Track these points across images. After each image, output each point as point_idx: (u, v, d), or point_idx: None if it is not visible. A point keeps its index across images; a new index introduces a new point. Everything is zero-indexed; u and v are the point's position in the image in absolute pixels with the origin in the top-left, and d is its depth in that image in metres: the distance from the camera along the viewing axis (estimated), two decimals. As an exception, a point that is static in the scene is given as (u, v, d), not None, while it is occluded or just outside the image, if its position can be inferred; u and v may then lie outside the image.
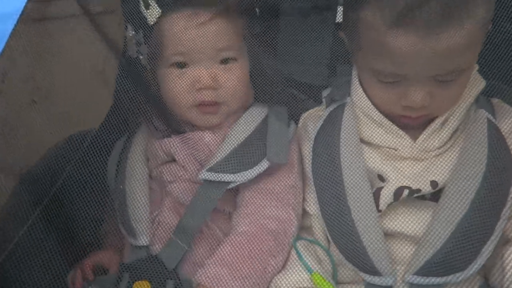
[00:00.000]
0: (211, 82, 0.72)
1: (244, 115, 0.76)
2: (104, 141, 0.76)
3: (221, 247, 0.68)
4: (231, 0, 0.72)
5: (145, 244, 0.71)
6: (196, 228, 0.70)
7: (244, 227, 0.69)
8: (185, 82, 0.72)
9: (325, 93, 0.80)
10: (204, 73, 0.72)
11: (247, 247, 0.66)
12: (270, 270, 0.67)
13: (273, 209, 0.70)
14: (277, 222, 0.69)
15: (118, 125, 0.77)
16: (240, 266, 0.65)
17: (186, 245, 0.69)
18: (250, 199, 0.71)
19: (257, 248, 0.67)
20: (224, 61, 0.73)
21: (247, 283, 0.64)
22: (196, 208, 0.70)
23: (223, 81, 0.73)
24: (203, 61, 0.72)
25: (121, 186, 0.75)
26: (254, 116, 0.76)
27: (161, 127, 0.77)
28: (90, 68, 0.76)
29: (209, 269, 0.65)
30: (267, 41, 0.79)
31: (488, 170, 0.63)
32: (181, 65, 0.73)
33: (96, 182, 0.73)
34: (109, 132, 0.76)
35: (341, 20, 0.78)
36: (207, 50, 0.72)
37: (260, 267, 0.66)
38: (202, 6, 0.71)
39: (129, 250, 0.73)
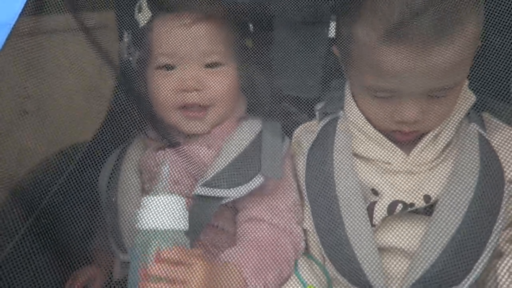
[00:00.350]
0: (195, 84, 0.73)
1: (238, 130, 0.76)
2: (97, 154, 0.75)
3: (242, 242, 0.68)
4: (216, 5, 0.74)
5: None
6: (189, 244, 0.69)
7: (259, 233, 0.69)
8: (170, 83, 0.73)
9: (318, 107, 0.80)
10: (189, 75, 0.73)
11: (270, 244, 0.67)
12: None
13: (282, 223, 0.70)
14: (288, 235, 0.69)
15: (112, 138, 0.76)
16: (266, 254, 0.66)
17: None
18: (255, 219, 0.71)
19: (278, 248, 0.67)
20: (210, 65, 0.74)
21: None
22: (190, 224, 0.69)
23: (207, 84, 0.73)
24: (189, 63, 0.73)
25: (114, 199, 0.74)
26: (248, 131, 0.76)
27: (155, 139, 0.77)
28: (82, 80, 0.76)
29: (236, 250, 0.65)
30: (259, 55, 0.80)
31: (480, 184, 0.63)
32: (168, 67, 0.74)
33: (87, 196, 0.72)
34: (102, 145, 0.76)
35: (334, 35, 0.79)
36: (192, 53, 0.73)
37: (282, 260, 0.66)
38: (188, 9, 0.72)
39: (119, 266, 0.72)
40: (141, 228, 0.60)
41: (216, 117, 0.75)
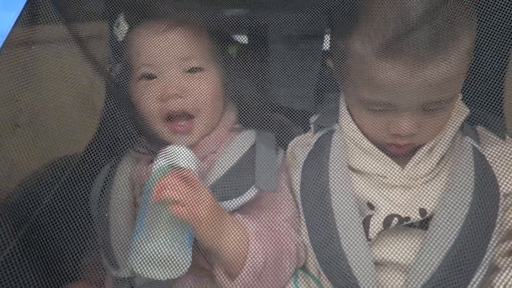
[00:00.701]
0: (176, 90, 0.72)
1: (232, 142, 0.76)
2: (88, 168, 0.74)
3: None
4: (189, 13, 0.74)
5: (127, 275, 0.68)
6: None
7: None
8: (152, 92, 0.73)
9: (312, 119, 0.80)
10: (169, 81, 0.72)
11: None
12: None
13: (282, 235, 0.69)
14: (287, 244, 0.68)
15: (104, 151, 0.75)
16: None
17: None
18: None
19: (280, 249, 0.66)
20: (191, 70, 0.74)
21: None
22: None
23: (189, 89, 0.73)
24: (169, 70, 0.73)
25: (106, 214, 0.73)
26: (242, 143, 0.75)
27: (147, 153, 0.76)
28: (75, 92, 0.75)
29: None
30: (243, 63, 0.80)
31: (475, 198, 0.63)
32: (150, 77, 0.74)
33: (78, 210, 0.71)
34: (93, 158, 0.75)
35: (329, 48, 0.79)
36: (171, 59, 0.72)
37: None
38: (166, 16, 0.72)
39: (111, 282, 0.70)
40: (154, 168, 0.63)
41: (202, 127, 0.74)
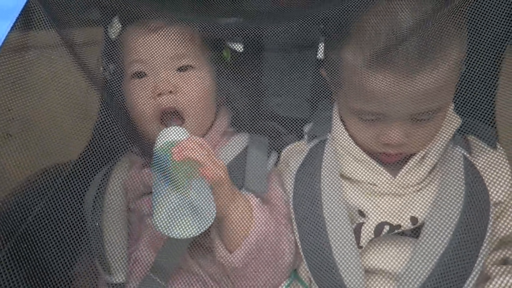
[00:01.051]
0: (168, 86, 0.72)
1: (225, 146, 0.76)
2: (82, 174, 0.74)
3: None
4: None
5: (121, 281, 0.69)
6: (174, 264, 0.68)
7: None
8: (144, 89, 0.73)
9: (306, 128, 0.81)
10: (161, 78, 0.72)
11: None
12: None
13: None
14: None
15: (97, 158, 0.75)
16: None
17: (164, 281, 0.67)
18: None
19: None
20: (182, 68, 0.74)
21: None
22: (173, 243, 0.68)
23: (181, 86, 0.73)
24: (160, 68, 0.73)
25: (97, 223, 0.73)
26: (234, 147, 0.76)
27: (140, 157, 0.77)
28: (68, 100, 0.75)
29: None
30: (236, 65, 0.80)
31: (465, 207, 0.64)
32: (141, 75, 0.74)
33: (70, 217, 0.71)
34: (88, 164, 0.75)
35: (322, 56, 0.80)
36: (162, 57, 0.73)
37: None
38: (156, 16, 0.73)
39: (105, 286, 0.71)
40: (158, 144, 0.66)
41: (194, 127, 0.74)
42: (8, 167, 0.64)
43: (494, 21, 0.68)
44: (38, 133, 0.68)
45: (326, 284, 0.64)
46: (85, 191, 0.76)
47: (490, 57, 0.70)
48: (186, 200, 0.58)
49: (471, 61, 0.70)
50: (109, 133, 0.73)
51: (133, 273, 0.69)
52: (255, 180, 0.71)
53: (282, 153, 0.80)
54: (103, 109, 0.78)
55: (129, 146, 0.77)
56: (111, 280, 0.69)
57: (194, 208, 0.59)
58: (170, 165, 0.62)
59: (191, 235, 0.59)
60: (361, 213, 0.69)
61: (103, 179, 0.77)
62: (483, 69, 0.71)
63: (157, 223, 0.59)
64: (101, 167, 0.78)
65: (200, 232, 0.59)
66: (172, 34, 0.72)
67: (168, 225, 0.59)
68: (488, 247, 0.63)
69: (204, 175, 0.61)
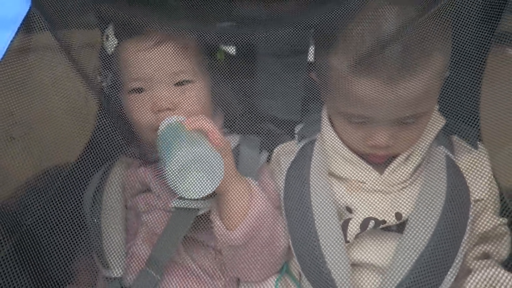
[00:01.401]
0: (167, 104, 0.74)
1: None
2: (81, 174, 0.76)
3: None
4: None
5: (118, 275, 0.71)
6: (167, 257, 0.70)
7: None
8: (144, 106, 0.75)
9: (297, 128, 0.84)
10: (160, 96, 0.74)
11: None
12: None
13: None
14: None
15: (96, 158, 0.78)
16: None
17: (159, 275, 0.70)
18: None
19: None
20: (180, 83, 0.75)
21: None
22: (167, 237, 0.71)
23: (179, 102, 0.75)
24: (159, 84, 0.74)
25: (95, 220, 0.75)
26: None
27: (137, 158, 0.79)
28: (67, 103, 0.77)
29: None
30: (230, 67, 0.83)
31: (447, 204, 0.67)
32: (140, 91, 0.75)
33: (70, 215, 0.73)
34: (86, 165, 0.77)
35: (313, 59, 0.82)
36: (160, 74, 0.74)
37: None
38: (154, 31, 0.74)
39: (103, 282, 0.73)
40: (162, 126, 0.70)
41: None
42: (11, 168, 0.66)
43: (476, 25, 0.71)
44: (40, 136, 0.70)
45: (315, 277, 0.67)
46: (84, 189, 0.79)
47: (474, 60, 0.71)
48: (197, 155, 0.60)
49: (454, 65, 0.73)
50: (106, 136, 0.75)
51: (130, 267, 0.72)
52: (246, 176, 0.73)
53: (274, 152, 0.83)
54: (101, 113, 0.79)
55: (126, 148, 0.80)
56: (109, 274, 0.72)
57: (205, 165, 0.60)
58: (182, 135, 0.64)
59: (204, 193, 0.61)
60: (349, 209, 0.72)
61: (102, 178, 0.80)
62: (466, 72, 0.73)
63: (169, 179, 0.60)
64: (99, 167, 0.81)
65: (212, 190, 0.61)
66: (169, 51, 0.74)
67: (182, 183, 0.60)
68: (468, 242, 0.66)
69: (213, 142, 0.65)
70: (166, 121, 0.71)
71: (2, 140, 0.65)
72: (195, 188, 0.61)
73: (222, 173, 0.61)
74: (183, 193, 0.61)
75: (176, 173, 0.60)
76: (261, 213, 0.68)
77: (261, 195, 0.70)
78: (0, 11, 0.63)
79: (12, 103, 0.65)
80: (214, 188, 0.62)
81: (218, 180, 0.61)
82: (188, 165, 0.60)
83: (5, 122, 0.65)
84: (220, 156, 0.61)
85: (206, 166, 0.61)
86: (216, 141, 0.65)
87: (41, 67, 0.72)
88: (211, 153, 0.61)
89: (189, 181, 0.61)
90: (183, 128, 0.66)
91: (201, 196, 0.61)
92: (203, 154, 0.60)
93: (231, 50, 0.90)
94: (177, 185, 0.60)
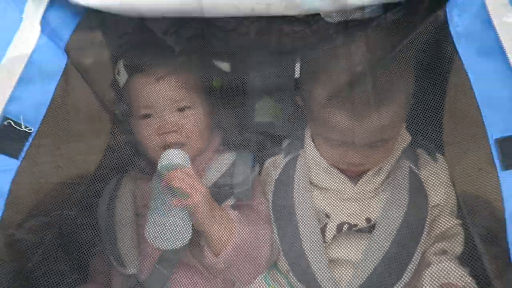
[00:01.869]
0: (173, 127, 0.86)
1: (217, 161, 0.91)
2: (99, 184, 0.88)
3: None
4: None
5: (133, 272, 0.83)
6: (178, 257, 0.82)
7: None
8: (151, 129, 0.87)
9: (284, 144, 0.95)
10: (165, 121, 0.86)
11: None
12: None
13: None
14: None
15: (110, 171, 0.90)
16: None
17: (168, 272, 0.82)
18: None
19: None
20: (181, 109, 0.88)
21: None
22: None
23: (182, 125, 0.87)
24: (164, 111, 0.87)
25: (110, 223, 0.86)
26: (224, 162, 0.91)
27: (146, 172, 0.91)
28: (88, 116, 0.89)
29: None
30: (224, 94, 0.94)
31: (408, 209, 0.79)
32: (148, 116, 0.87)
33: (89, 221, 0.85)
34: (101, 176, 0.89)
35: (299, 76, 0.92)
36: (165, 101, 0.86)
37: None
38: (157, 66, 0.87)
39: (119, 279, 0.85)
40: (159, 166, 0.81)
41: (192, 152, 0.88)
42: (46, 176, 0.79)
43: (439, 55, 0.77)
44: (69, 154, 0.83)
45: (299, 272, 0.80)
46: (99, 198, 0.90)
47: (437, 85, 0.78)
48: (170, 219, 0.77)
49: (419, 91, 0.80)
50: (118, 152, 0.88)
51: (143, 265, 0.84)
52: (242, 189, 0.86)
53: (264, 165, 0.94)
54: (113, 132, 0.91)
55: (135, 163, 0.91)
56: (126, 272, 0.83)
57: (175, 227, 0.77)
58: (159, 196, 0.79)
59: (169, 248, 0.77)
60: (327, 215, 0.84)
61: (115, 188, 0.91)
62: (429, 96, 0.81)
63: (146, 234, 0.77)
64: (112, 177, 0.92)
65: (176, 248, 0.77)
66: (172, 82, 0.86)
67: (154, 237, 0.77)
68: (426, 240, 0.79)
69: (184, 203, 0.77)
70: (167, 153, 0.82)
71: (51, 168, 0.78)
72: (165, 243, 0.77)
73: (188, 237, 0.77)
74: (156, 244, 0.77)
75: (152, 229, 0.77)
76: (240, 243, 0.80)
77: (240, 227, 0.81)
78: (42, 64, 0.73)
79: (59, 141, 0.79)
80: (182, 246, 0.77)
81: (184, 242, 0.77)
82: (161, 227, 0.77)
83: (54, 155, 0.79)
84: (189, 222, 0.77)
85: (176, 231, 0.77)
86: (189, 202, 0.77)
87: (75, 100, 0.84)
88: (180, 222, 0.77)
89: (159, 237, 0.77)
90: (163, 194, 0.79)
91: (171, 249, 0.77)
92: (174, 223, 0.77)
93: (225, 67, 1.01)
94: (150, 238, 0.77)
